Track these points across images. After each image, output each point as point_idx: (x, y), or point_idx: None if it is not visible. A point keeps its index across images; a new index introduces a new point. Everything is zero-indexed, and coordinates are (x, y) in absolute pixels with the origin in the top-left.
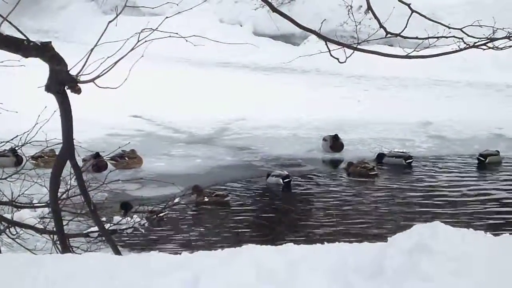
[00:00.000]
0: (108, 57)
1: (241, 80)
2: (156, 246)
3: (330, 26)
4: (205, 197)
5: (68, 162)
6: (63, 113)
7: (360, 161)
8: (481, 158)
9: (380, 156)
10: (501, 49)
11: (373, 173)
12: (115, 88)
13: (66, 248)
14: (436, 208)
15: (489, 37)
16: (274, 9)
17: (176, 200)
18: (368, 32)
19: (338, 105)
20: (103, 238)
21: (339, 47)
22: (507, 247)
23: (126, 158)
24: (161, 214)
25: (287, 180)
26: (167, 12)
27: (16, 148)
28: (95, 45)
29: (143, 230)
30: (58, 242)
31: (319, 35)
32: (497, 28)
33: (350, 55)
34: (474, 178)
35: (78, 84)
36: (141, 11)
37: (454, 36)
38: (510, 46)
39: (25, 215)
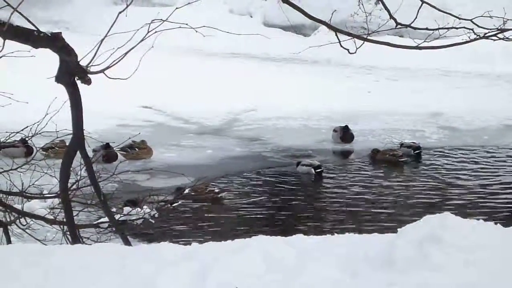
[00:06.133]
0: (118, 48)
1: (252, 71)
2: (166, 237)
3: (341, 17)
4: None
5: (78, 153)
6: (73, 103)
7: (387, 149)
8: None
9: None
10: (511, 40)
11: (403, 159)
12: (125, 79)
13: (76, 239)
14: (448, 199)
15: (499, 28)
16: (285, 0)
17: (186, 191)
18: (378, 23)
19: (348, 96)
20: (113, 229)
21: (349, 38)
22: None
23: (136, 149)
24: (174, 204)
25: (319, 170)
26: (177, 3)
27: (27, 139)
28: (105, 36)
29: (153, 221)
30: (68, 232)
31: (329, 26)
32: (507, 19)
33: (360, 46)
34: (486, 169)
35: (88, 75)
36: (152, 2)
37: (464, 27)
38: None
39: (35, 206)
